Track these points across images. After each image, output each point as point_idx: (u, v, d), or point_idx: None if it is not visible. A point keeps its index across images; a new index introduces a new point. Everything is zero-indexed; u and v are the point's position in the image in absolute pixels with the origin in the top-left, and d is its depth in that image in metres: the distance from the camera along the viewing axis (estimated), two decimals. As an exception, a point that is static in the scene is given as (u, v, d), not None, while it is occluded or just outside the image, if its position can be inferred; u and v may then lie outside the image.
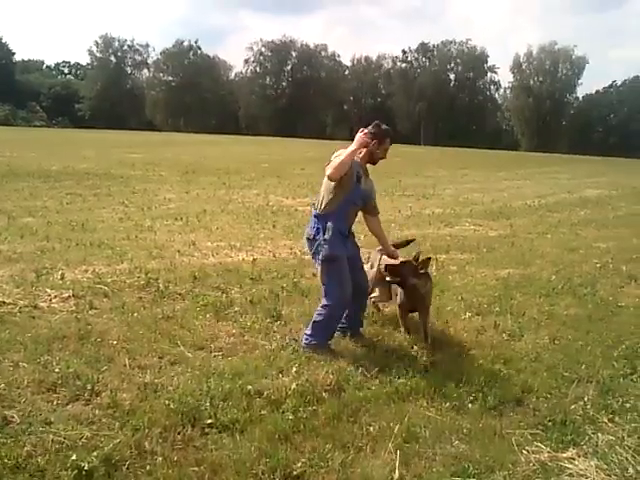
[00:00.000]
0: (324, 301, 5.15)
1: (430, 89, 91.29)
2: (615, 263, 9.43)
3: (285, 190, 17.81)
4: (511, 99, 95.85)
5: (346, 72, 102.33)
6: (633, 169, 43.53)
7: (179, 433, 3.65)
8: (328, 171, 4.97)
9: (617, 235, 12.54)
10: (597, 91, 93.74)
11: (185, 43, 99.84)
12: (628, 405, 4.41)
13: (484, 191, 20.40)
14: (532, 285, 7.75)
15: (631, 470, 3.52)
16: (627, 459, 3.63)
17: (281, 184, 19.48)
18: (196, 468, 3.32)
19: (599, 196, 21.28)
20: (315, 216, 5.24)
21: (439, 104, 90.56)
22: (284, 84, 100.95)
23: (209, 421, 3.77)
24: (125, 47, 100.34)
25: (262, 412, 3.92)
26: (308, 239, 5.26)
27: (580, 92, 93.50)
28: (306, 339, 5.09)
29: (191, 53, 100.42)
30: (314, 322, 5.11)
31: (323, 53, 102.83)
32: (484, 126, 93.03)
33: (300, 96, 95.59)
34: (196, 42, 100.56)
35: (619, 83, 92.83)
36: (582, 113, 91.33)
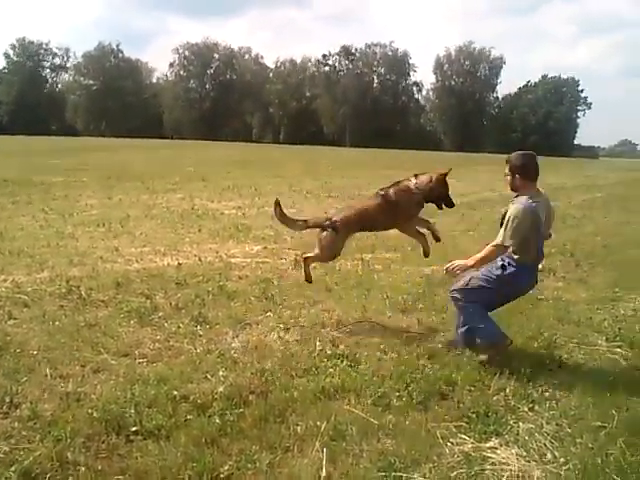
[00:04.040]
0: None
1: (354, 91, 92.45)
2: (536, 258, 9.72)
3: (211, 193, 17.63)
4: (434, 100, 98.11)
5: (270, 75, 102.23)
6: (551, 167, 45.21)
7: (103, 442, 3.56)
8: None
9: (536, 231, 12.93)
10: (515, 92, 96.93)
11: (107, 46, 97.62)
12: (547, 394, 4.57)
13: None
14: (452, 280, 7.89)
15: (549, 455, 3.66)
16: (546, 445, 3.77)
17: (207, 188, 19.29)
18: (121, 476, 3.25)
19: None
20: None
21: (363, 106, 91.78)
22: (208, 87, 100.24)
23: (134, 428, 3.69)
24: (42, 50, 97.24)
25: (188, 417, 3.86)
26: None
27: (500, 92, 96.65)
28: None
29: (112, 57, 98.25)
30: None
31: (247, 56, 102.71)
32: (408, 127, 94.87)
33: (225, 99, 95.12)
34: (118, 45, 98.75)
35: (534, 83, 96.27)
36: (502, 113, 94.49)
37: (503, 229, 4.92)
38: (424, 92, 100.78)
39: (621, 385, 4.72)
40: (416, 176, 6.07)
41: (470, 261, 5.07)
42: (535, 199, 4.98)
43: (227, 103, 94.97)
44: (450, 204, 6.23)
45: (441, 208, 6.22)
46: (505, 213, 4.99)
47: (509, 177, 5.15)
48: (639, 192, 25.09)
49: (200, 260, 8.64)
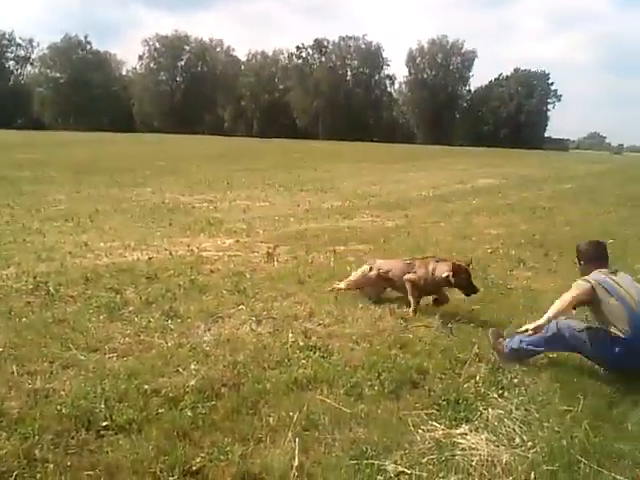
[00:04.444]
0: None
1: (327, 84, 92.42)
2: (505, 248, 9.89)
3: (182, 187, 17.54)
4: (407, 93, 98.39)
5: (242, 67, 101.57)
6: (522, 159, 45.82)
7: (72, 438, 3.52)
8: None
9: (507, 222, 13.16)
10: (487, 85, 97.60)
11: (73, 38, 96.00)
12: (516, 380, 4.64)
13: (381, 183, 20.86)
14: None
15: (518, 439, 3.73)
16: (514, 430, 3.84)
17: (177, 181, 19.18)
18: (91, 472, 3.21)
19: (490, 185, 22.26)
20: None
21: (336, 99, 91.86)
22: (179, 79, 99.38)
23: (104, 423, 3.65)
24: (5, 41, 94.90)
25: (159, 410, 3.83)
26: None
27: (472, 86, 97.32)
28: None
29: (80, 49, 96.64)
30: None
31: (218, 49, 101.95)
32: (381, 120, 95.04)
33: (196, 92, 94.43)
34: (86, 37, 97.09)
35: (505, 77, 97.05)
36: (474, 106, 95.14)
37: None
38: (397, 85, 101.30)
39: (586, 370, 4.85)
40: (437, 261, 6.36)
41: None
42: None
43: (198, 96, 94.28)
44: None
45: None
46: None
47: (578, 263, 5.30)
48: (607, 184, 25.51)
49: (171, 254, 8.57)
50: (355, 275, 6.82)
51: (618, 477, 3.36)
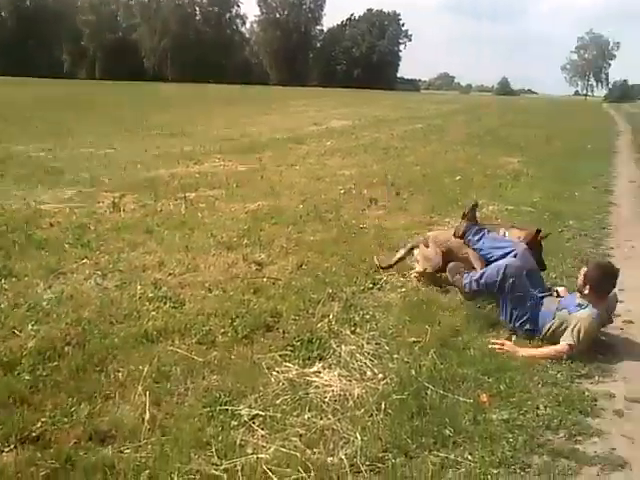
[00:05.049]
0: None
1: (174, 23, 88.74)
2: (358, 188, 10.08)
3: (14, 135, 15.91)
4: (259, 32, 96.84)
5: (79, 3, 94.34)
6: (375, 100, 46.80)
7: None
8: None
9: (360, 162, 13.41)
10: (339, 25, 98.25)
11: None
12: (368, 316, 4.76)
13: (234, 126, 20.51)
14: (281, 215, 7.96)
15: (369, 373, 3.84)
16: (366, 364, 3.95)
17: (9, 129, 17.37)
18: None
19: (344, 127, 22.54)
20: None
21: (185, 38, 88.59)
22: (4, 14, 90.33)
23: None
24: None
25: (-8, 378, 3.54)
26: None
27: (325, 26, 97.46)
28: None
29: None
30: None
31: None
32: (233, 61, 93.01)
33: (26, 29, 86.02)
34: None
35: (357, 17, 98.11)
36: (327, 46, 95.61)
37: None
38: (248, 25, 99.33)
39: (435, 302, 5.08)
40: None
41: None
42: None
43: (29, 33, 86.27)
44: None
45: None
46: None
47: (581, 281, 4.57)
48: (455, 123, 26.61)
49: (3, 209, 7.80)
50: (422, 256, 5.67)
51: (461, 399, 3.55)
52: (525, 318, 4.57)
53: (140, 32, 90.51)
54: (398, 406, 3.43)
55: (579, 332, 4.21)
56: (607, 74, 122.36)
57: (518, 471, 2.96)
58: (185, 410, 3.34)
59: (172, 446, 2.99)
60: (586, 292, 4.47)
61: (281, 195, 9.36)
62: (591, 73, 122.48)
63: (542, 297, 4.72)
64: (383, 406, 3.42)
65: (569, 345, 4.18)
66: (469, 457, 3.03)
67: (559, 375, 3.95)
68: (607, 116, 43.80)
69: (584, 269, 4.60)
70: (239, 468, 2.86)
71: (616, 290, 4.68)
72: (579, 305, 4.46)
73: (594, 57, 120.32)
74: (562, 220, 8.30)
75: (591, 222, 8.46)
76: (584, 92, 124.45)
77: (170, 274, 5.53)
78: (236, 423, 3.26)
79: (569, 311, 4.45)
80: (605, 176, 12.94)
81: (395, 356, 4.06)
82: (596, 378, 3.98)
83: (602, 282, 4.45)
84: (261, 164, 12.59)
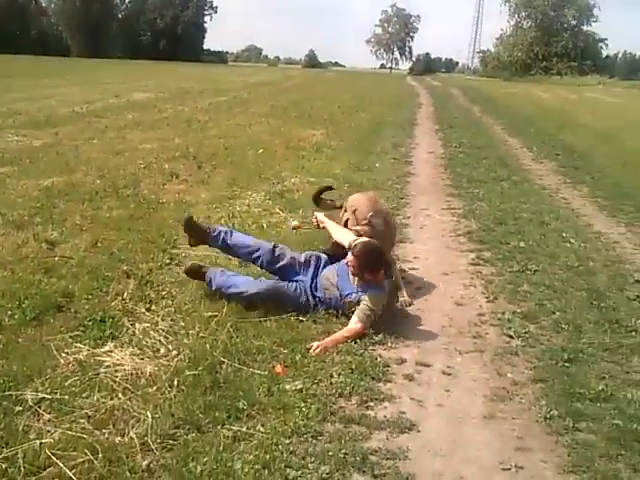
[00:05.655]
0: None
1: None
2: (158, 162, 9.88)
3: None
4: (57, 2, 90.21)
5: None
6: (180, 72, 45.74)
7: None
8: None
9: (162, 136, 13.08)
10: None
11: None
12: (164, 293, 4.73)
13: (30, 100, 19.00)
14: (76, 192, 7.62)
15: (163, 350, 3.83)
16: (160, 341, 3.94)
17: None
18: None
19: (147, 99, 21.82)
20: None
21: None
22: None
23: None
24: None
25: None
26: None
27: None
28: None
29: None
30: None
31: None
32: (29, 32, 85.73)
33: None
34: None
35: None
36: (130, 17, 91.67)
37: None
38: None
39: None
40: None
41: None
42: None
43: None
44: None
45: None
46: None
47: (353, 265, 4.51)
48: (261, 96, 26.74)
49: None
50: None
51: (257, 371, 3.64)
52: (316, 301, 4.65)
53: None
54: (192, 382, 3.46)
55: (367, 311, 4.31)
56: (410, 47, 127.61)
57: (310, 439, 3.07)
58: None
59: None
60: (365, 275, 4.49)
61: (77, 171, 8.92)
62: (395, 46, 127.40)
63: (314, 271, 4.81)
64: (176, 382, 3.43)
65: (361, 324, 4.26)
66: (261, 428, 3.11)
67: (353, 343, 4.10)
68: (410, 88, 46.23)
69: (351, 258, 4.51)
70: (20, 456, 2.76)
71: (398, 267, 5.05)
72: (361, 288, 4.51)
73: (397, 30, 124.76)
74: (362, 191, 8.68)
75: (390, 192, 8.86)
76: (389, 65, 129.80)
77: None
78: (20, 408, 3.13)
79: (354, 293, 4.51)
80: (405, 147, 13.68)
81: (191, 332, 4.06)
82: (389, 344, 4.19)
83: (371, 261, 4.47)
84: (57, 138, 11.86)
